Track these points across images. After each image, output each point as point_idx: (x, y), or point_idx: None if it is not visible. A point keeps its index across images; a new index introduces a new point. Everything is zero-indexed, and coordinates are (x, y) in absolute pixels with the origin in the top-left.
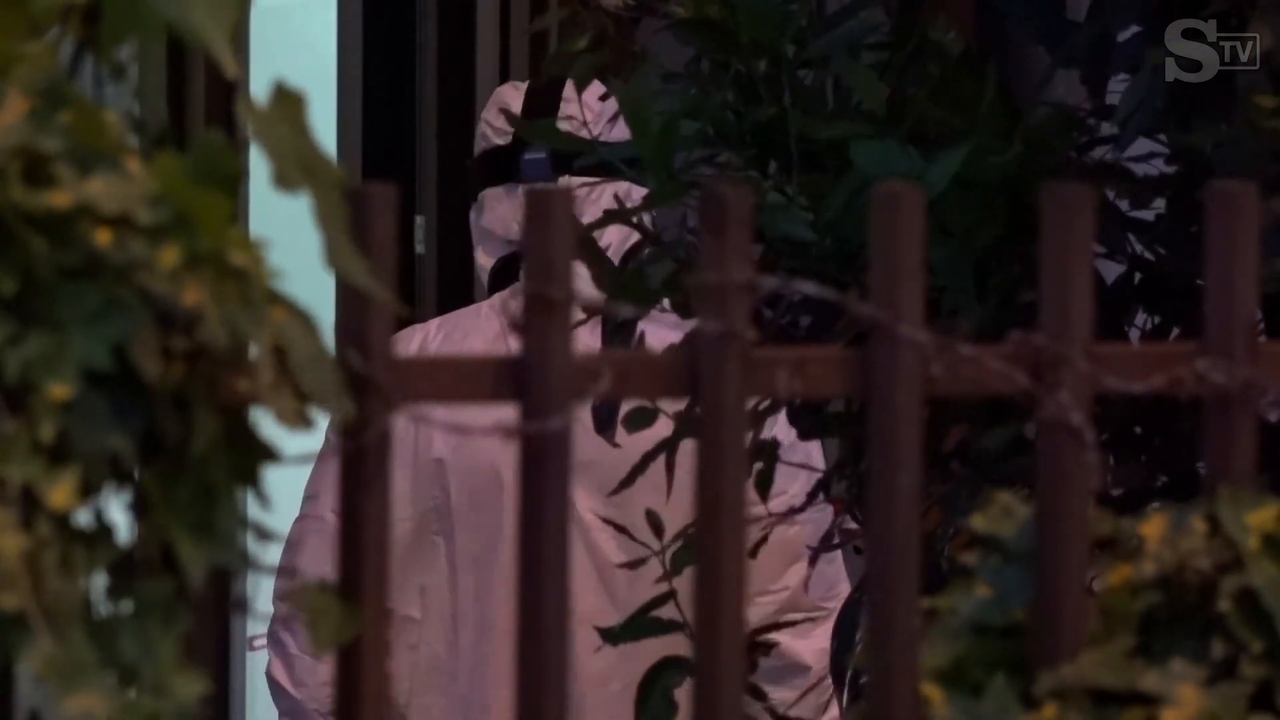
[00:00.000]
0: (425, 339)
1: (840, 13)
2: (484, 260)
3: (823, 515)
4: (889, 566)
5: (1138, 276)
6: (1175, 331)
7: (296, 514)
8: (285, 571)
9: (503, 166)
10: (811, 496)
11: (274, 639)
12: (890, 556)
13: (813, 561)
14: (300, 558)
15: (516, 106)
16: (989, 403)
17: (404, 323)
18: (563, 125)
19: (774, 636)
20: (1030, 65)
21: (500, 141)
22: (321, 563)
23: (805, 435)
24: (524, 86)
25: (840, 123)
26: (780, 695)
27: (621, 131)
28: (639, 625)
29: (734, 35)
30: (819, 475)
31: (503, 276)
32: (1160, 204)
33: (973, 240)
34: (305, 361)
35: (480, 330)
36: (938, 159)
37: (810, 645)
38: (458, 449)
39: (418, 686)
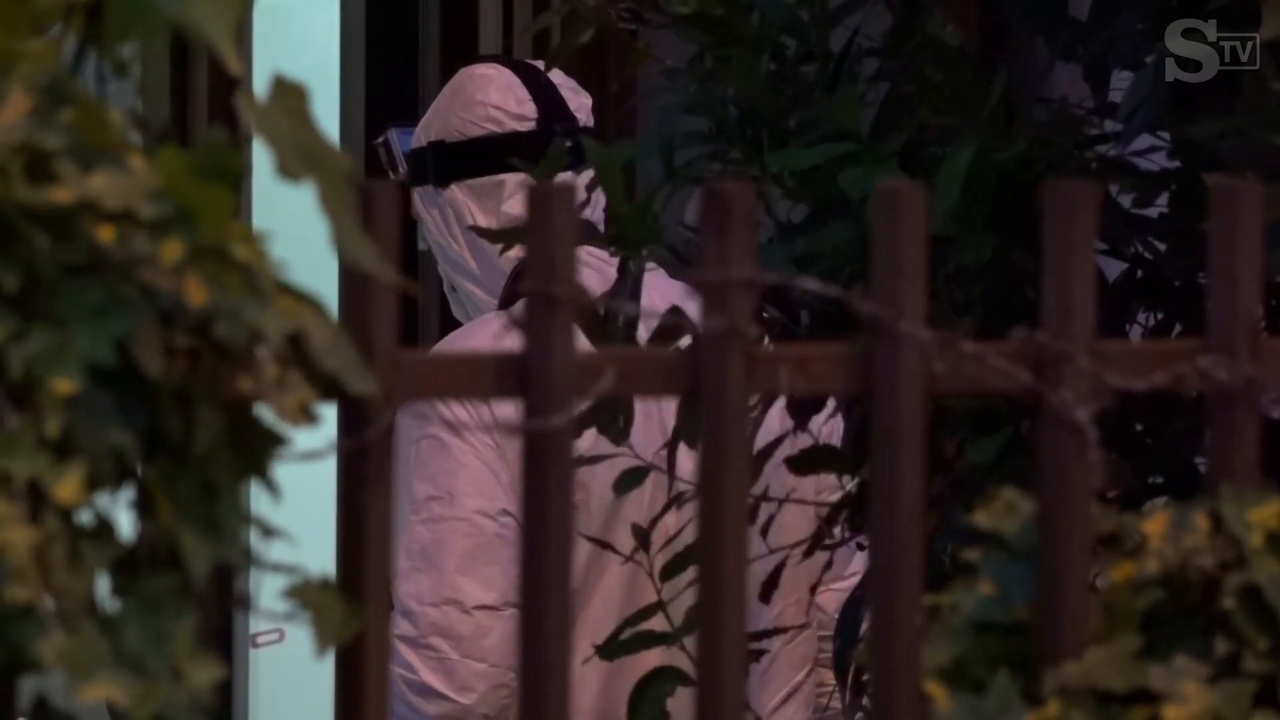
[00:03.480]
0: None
1: (840, 9)
2: (513, 250)
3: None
4: (891, 563)
5: (1139, 274)
6: (1177, 329)
7: (420, 515)
8: (431, 574)
9: (523, 154)
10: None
11: (419, 645)
12: (893, 553)
13: (809, 552)
14: (446, 560)
15: (511, 94)
16: (981, 413)
17: (405, 321)
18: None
19: None
20: (1033, 61)
21: (520, 128)
22: (475, 566)
23: (804, 427)
24: (502, 70)
25: (825, 146)
26: None
27: None
28: (629, 639)
29: (736, 31)
30: None
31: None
32: (1163, 200)
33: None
34: (325, 344)
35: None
36: (942, 162)
37: None
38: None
39: None
